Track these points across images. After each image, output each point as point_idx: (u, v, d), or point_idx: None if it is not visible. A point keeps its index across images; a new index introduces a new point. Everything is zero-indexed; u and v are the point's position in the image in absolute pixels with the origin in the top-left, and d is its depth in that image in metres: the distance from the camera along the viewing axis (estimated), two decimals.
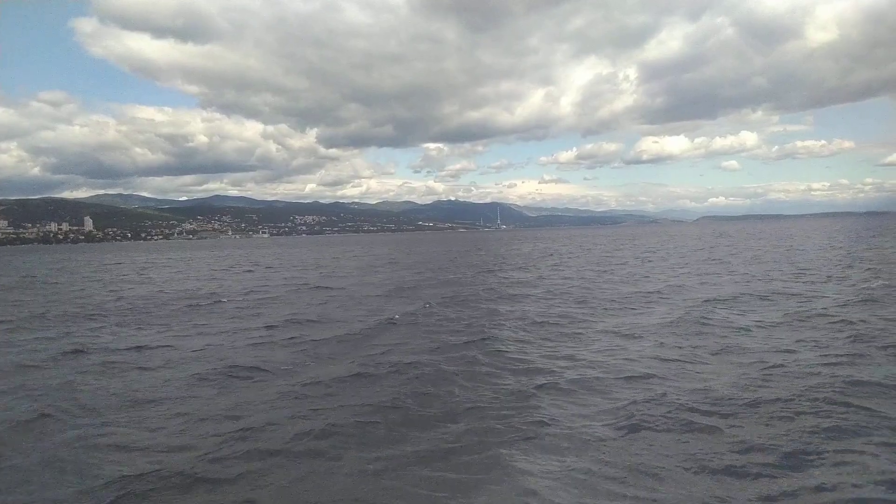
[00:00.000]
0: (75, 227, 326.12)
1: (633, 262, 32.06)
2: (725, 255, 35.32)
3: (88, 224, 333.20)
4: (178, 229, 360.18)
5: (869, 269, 21.80)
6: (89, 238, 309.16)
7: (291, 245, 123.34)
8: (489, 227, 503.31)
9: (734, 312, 13.13)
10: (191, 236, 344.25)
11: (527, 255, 45.34)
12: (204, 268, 40.46)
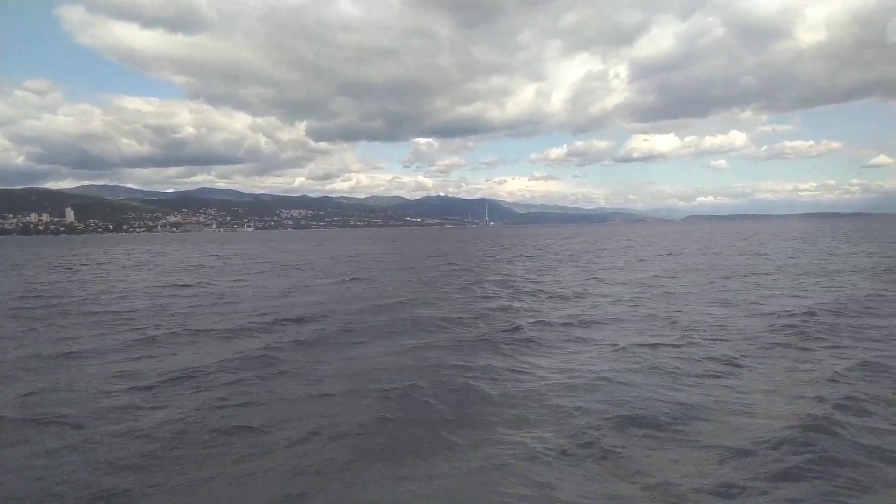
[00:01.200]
0: (56, 219, 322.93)
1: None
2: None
3: (70, 215, 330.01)
4: (161, 222, 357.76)
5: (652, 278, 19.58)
6: (70, 230, 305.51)
7: (248, 240, 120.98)
8: (477, 223, 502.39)
9: None
10: (174, 229, 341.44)
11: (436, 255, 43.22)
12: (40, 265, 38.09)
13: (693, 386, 7.99)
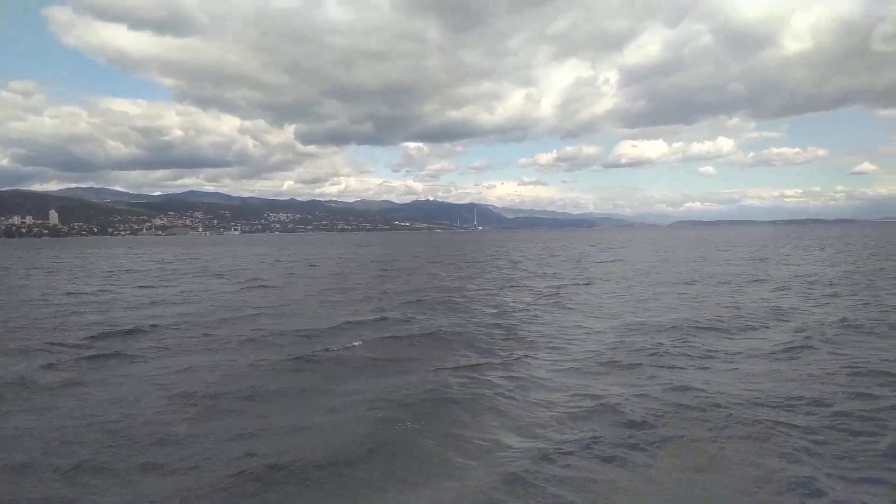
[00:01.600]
0: (39, 221, 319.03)
1: None
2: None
3: (53, 218, 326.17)
4: (147, 225, 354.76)
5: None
6: (54, 232, 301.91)
7: (224, 244, 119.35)
8: (465, 228, 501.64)
9: None
10: (160, 232, 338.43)
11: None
12: None
13: (428, 416, 7.01)
